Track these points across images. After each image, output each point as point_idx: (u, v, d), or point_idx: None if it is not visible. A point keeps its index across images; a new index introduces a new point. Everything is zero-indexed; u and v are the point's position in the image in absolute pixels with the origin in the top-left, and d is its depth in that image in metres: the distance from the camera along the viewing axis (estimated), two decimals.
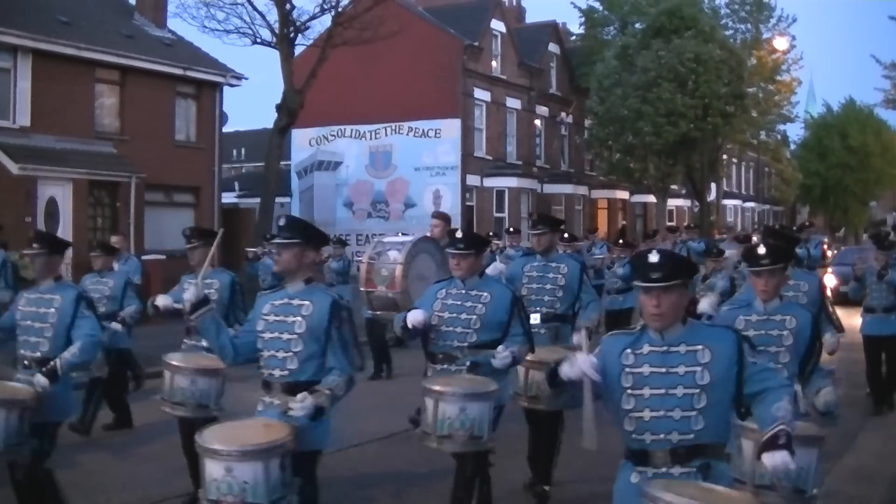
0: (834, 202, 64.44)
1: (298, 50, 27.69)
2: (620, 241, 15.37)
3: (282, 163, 31.33)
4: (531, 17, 48.92)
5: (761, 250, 5.62)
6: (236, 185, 43.45)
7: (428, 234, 10.05)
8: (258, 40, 26.58)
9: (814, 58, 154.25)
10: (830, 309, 7.81)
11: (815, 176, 61.87)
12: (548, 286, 7.86)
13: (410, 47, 33.66)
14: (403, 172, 37.13)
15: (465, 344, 6.36)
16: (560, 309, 7.82)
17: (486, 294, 6.46)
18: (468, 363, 6.33)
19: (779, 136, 58.13)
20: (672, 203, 46.83)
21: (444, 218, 10.28)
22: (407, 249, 9.29)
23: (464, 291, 6.51)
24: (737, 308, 6.00)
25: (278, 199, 29.86)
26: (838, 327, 7.91)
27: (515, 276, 8.01)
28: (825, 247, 47.06)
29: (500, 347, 6.31)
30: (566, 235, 13.24)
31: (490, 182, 37.69)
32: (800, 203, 67.64)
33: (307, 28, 26.96)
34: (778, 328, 5.63)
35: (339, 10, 26.52)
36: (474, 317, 6.38)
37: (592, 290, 8.16)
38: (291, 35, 26.27)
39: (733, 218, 57.65)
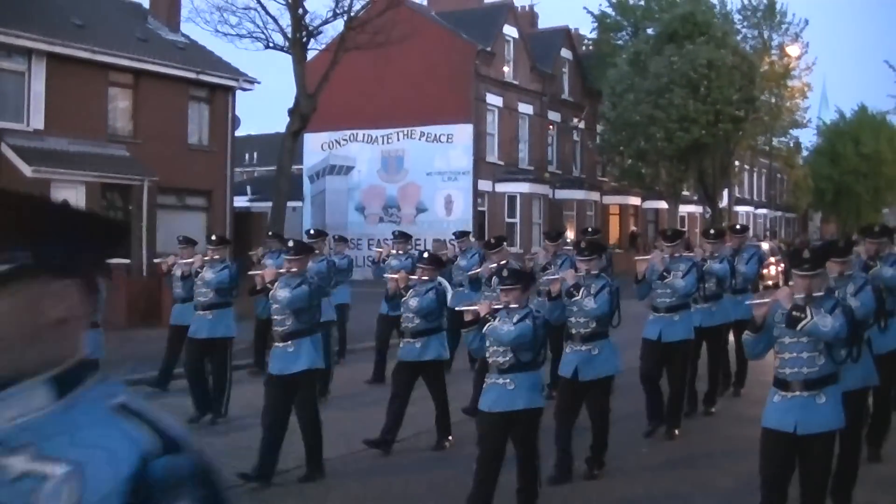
0: (846, 208, 64.45)
1: (311, 54, 27.69)
2: (492, 239, 11.24)
3: (294, 167, 31.30)
4: (544, 23, 49.04)
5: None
6: (248, 188, 43.55)
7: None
8: (271, 45, 26.53)
9: (827, 64, 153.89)
10: None
11: (828, 181, 61.85)
12: None
13: (423, 52, 33.67)
14: (415, 177, 37.15)
15: None
16: None
17: None
18: None
19: (791, 143, 58.08)
20: (684, 209, 46.80)
21: None
22: None
23: None
24: None
25: (290, 204, 29.81)
26: None
27: None
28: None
29: None
30: (313, 231, 10.30)
31: (502, 187, 37.68)
32: (812, 209, 67.48)
33: (320, 32, 26.89)
34: None
35: (352, 14, 26.50)
36: None
37: None
38: (304, 39, 26.21)
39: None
